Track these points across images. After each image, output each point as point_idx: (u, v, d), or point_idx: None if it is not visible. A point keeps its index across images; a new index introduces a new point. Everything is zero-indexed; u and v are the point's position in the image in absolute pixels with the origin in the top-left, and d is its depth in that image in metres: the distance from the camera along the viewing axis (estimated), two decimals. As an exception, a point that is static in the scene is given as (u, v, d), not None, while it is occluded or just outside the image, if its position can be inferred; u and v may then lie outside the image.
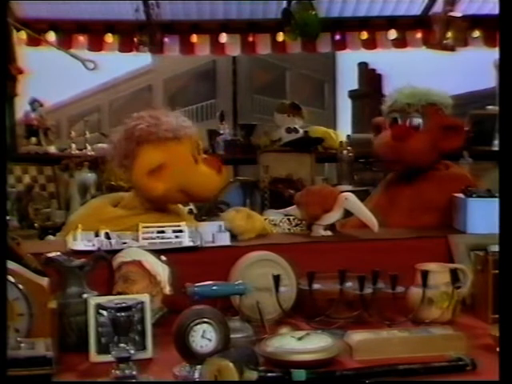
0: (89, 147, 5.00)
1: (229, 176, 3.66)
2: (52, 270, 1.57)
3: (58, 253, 1.60)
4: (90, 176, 4.50)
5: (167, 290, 1.69)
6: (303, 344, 1.43)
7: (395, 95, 2.46)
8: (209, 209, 2.71)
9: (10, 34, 4.38)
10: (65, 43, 5.13)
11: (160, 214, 2.14)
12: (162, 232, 1.95)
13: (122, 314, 1.35)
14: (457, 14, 5.07)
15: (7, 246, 1.49)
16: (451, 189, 2.24)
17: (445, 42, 5.09)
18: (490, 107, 5.06)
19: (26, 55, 4.92)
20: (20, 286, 1.43)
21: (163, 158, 2.08)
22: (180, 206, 2.34)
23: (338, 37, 5.47)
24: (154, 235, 1.94)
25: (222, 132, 5.12)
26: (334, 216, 2.11)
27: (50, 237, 3.00)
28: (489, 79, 5.42)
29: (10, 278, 1.41)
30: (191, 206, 2.48)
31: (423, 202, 2.35)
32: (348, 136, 5.16)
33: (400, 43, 5.50)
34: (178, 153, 2.12)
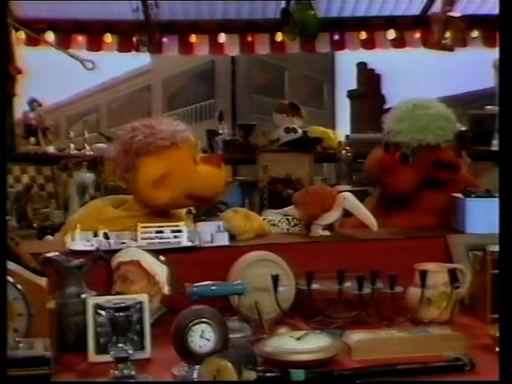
0: (87, 147, 4.99)
1: (228, 176, 3.65)
2: (50, 270, 1.57)
3: (57, 253, 1.60)
4: (88, 176, 4.49)
5: (166, 289, 1.69)
6: (302, 344, 1.43)
7: (391, 125, 2.37)
8: (207, 209, 2.70)
9: (9, 33, 4.37)
10: (64, 43, 5.11)
11: (160, 218, 2.13)
12: (161, 232, 1.95)
13: (121, 314, 1.35)
14: (455, 13, 5.07)
15: (6, 246, 1.49)
16: (451, 190, 2.23)
17: (443, 41, 5.08)
18: (488, 107, 5.06)
19: (25, 55, 4.90)
20: (19, 286, 1.43)
21: (164, 167, 2.08)
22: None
23: (336, 37, 5.46)
24: (153, 235, 1.94)
25: (220, 132, 5.11)
26: (332, 216, 2.11)
27: (49, 237, 3.00)
28: (488, 79, 5.42)
29: (9, 278, 1.41)
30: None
31: (423, 203, 2.35)
32: (347, 136, 5.15)
33: (399, 43, 5.49)
34: (178, 159, 2.12)
